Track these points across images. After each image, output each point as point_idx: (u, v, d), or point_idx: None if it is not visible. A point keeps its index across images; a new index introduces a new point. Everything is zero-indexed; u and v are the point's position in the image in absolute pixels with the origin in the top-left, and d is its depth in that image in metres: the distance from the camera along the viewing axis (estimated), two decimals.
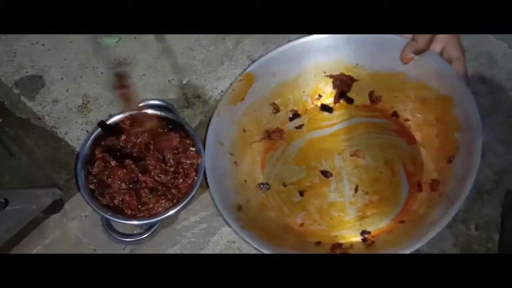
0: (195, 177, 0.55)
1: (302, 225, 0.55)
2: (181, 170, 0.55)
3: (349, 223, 0.54)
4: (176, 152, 0.56)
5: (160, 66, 0.67)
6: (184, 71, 0.67)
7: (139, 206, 0.53)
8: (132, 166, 0.55)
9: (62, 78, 0.64)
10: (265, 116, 0.62)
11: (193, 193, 0.54)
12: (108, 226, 0.53)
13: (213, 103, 0.65)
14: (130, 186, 0.53)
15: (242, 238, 0.51)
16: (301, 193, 0.57)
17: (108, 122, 0.57)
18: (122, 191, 0.53)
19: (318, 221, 0.55)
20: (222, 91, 0.66)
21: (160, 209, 0.53)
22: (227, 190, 0.54)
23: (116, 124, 0.57)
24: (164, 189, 0.54)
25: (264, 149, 0.61)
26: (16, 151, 0.53)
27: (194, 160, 0.55)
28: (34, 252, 0.56)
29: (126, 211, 0.52)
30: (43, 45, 0.67)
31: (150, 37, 0.69)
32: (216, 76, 0.67)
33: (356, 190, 0.56)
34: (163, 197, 0.53)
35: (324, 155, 0.59)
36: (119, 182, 0.53)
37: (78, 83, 0.64)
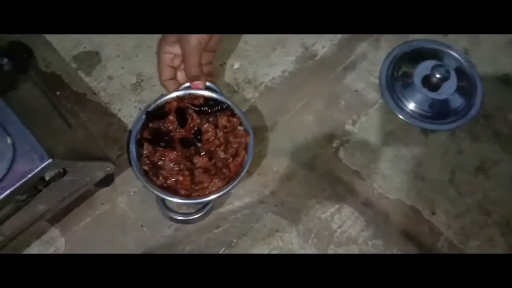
0: (245, 156, 0.54)
1: None
2: (230, 149, 0.55)
3: None
4: (225, 131, 0.56)
5: None
6: (236, 56, 0.67)
7: (193, 186, 0.53)
8: (182, 149, 0.55)
9: (117, 56, 0.65)
10: None
11: (245, 170, 0.53)
12: (163, 203, 0.54)
13: (263, 90, 0.65)
14: (182, 167, 0.54)
15: None
16: None
17: (157, 103, 0.57)
18: (175, 172, 0.53)
19: None
20: (273, 77, 0.66)
21: (213, 188, 0.53)
22: None
23: (163, 106, 0.57)
24: (216, 169, 0.54)
25: None
26: (73, 124, 0.55)
27: (242, 139, 0.55)
28: (82, 224, 0.58)
29: (180, 191, 0.53)
30: None
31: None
32: (268, 62, 0.66)
33: None
34: (216, 177, 0.53)
35: None
36: (171, 164, 0.54)
37: (133, 61, 0.65)
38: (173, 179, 0.53)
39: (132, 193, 0.59)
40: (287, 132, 0.63)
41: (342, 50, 0.68)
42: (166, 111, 0.57)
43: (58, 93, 0.62)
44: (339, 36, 0.68)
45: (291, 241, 0.58)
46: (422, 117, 0.65)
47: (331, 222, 0.59)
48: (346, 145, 0.62)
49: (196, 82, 0.56)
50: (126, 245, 0.57)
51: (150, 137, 0.55)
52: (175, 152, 0.54)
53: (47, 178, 0.44)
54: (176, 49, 0.57)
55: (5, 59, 0.47)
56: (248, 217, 0.59)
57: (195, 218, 0.54)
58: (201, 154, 0.55)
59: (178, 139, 0.56)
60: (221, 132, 0.56)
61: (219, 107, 0.56)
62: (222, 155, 0.55)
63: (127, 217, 0.58)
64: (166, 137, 0.55)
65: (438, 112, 0.65)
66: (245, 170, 0.54)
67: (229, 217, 0.59)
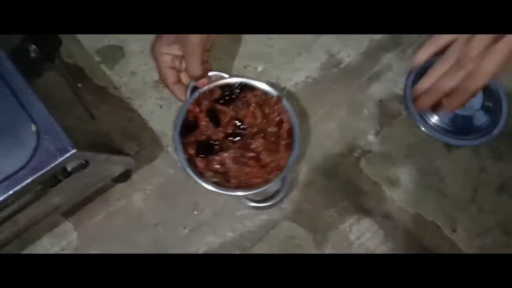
0: (288, 117, 0.54)
1: None
2: (273, 120, 0.55)
3: None
4: (258, 106, 0.56)
5: (237, 51, 0.66)
6: (261, 59, 0.66)
7: (263, 170, 0.53)
8: (233, 144, 0.54)
9: (141, 52, 0.65)
10: None
11: (297, 131, 0.54)
12: (250, 200, 0.55)
13: (285, 94, 0.64)
14: (244, 159, 0.54)
15: None
16: None
17: (181, 119, 0.54)
18: (241, 166, 0.53)
19: None
20: (296, 83, 0.65)
21: (283, 161, 0.53)
22: None
23: (187, 117, 0.55)
24: (273, 143, 0.54)
25: None
26: (96, 116, 0.54)
27: (277, 105, 0.55)
28: (96, 219, 0.57)
29: (254, 181, 0.53)
30: None
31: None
32: (292, 67, 0.66)
33: None
34: (278, 150, 0.54)
35: None
36: (233, 164, 0.54)
37: None
38: (243, 175, 0.53)
39: (148, 191, 0.58)
40: (307, 138, 0.62)
41: (368, 60, 0.67)
42: (192, 120, 0.54)
43: (80, 85, 0.62)
44: (364, 45, 0.68)
45: (307, 249, 0.57)
46: (445, 131, 0.64)
47: (349, 233, 0.58)
48: (368, 155, 0.61)
49: (201, 81, 0.55)
50: (139, 244, 0.56)
51: (199, 154, 0.53)
52: (230, 151, 0.53)
53: (69, 169, 0.43)
54: (174, 50, 0.54)
55: (33, 46, 0.47)
56: (265, 223, 0.58)
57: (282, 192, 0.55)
58: (253, 138, 0.54)
59: (223, 138, 0.54)
60: (256, 109, 0.55)
61: (238, 89, 0.55)
62: (270, 129, 0.54)
63: (142, 215, 0.57)
64: (213, 144, 0.54)
65: (461, 127, 0.64)
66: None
67: (245, 221, 0.58)
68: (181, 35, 0.52)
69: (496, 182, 0.61)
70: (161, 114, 0.61)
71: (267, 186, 0.51)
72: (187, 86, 0.56)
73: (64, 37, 0.63)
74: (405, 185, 0.60)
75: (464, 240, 0.58)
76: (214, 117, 0.55)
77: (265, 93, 0.55)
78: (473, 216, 0.59)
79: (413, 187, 0.60)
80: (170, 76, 0.55)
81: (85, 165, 0.45)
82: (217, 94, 0.56)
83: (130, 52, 0.65)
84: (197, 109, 0.55)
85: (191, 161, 0.52)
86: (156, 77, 0.64)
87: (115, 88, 0.62)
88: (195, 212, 0.57)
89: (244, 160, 0.53)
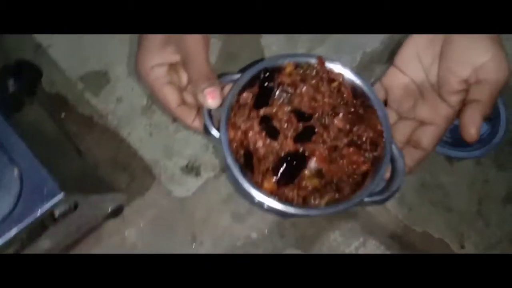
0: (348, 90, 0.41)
1: None
2: (332, 96, 0.41)
3: None
4: (304, 83, 0.41)
5: (228, 70, 0.63)
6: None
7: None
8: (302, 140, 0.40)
9: (128, 76, 0.61)
10: None
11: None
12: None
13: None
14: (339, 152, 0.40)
15: None
16: None
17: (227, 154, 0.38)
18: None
19: None
20: None
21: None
22: None
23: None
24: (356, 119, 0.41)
25: None
26: (83, 150, 0.50)
27: (328, 74, 0.42)
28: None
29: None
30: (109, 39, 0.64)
31: (216, 42, 0.65)
32: None
33: None
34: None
35: None
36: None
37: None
38: (344, 171, 0.39)
39: (142, 225, 0.55)
40: None
41: (362, 73, 0.65)
42: (244, 151, 0.40)
43: (63, 115, 0.58)
44: (358, 58, 0.66)
45: None
46: (445, 144, 0.62)
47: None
48: None
49: (210, 90, 0.37)
50: None
51: (281, 182, 0.38)
52: (315, 155, 0.39)
53: (56, 215, 0.40)
54: (168, 55, 0.39)
55: (12, 80, 0.43)
56: (268, 251, 0.55)
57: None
58: (326, 123, 0.41)
59: (294, 144, 0.39)
60: (306, 86, 0.41)
61: (267, 79, 0.40)
62: (338, 99, 0.41)
63: (135, 251, 0.54)
64: (290, 160, 0.39)
65: (462, 139, 0.62)
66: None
67: (248, 249, 0.55)
68: (176, 35, 0.39)
69: (500, 193, 0.60)
70: (151, 141, 0.58)
71: (386, 164, 0.38)
72: (199, 109, 0.40)
73: (45, 65, 0.60)
74: (410, 202, 0.58)
75: None
76: (267, 128, 0.39)
77: (297, 65, 0.41)
78: (480, 230, 0.58)
79: (418, 204, 0.58)
80: (171, 97, 0.39)
81: (74, 207, 0.41)
82: (254, 91, 0.40)
83: (115, 76, 0.61)
84: (239, 134, 0.39)
85: (279, 197, 0.37)
86: (145, 101, 0.61)
87: (101, 116, 0.59)
88: (193, 245, 0.54)
89: (336, 155, 0.40)
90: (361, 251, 0.55)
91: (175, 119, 0.58)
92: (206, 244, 0.54)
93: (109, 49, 0.63)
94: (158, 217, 0.55)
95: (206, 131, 0.39)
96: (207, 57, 0.38)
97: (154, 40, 0.39)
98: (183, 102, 0.41)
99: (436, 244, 0.56)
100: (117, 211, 0.53)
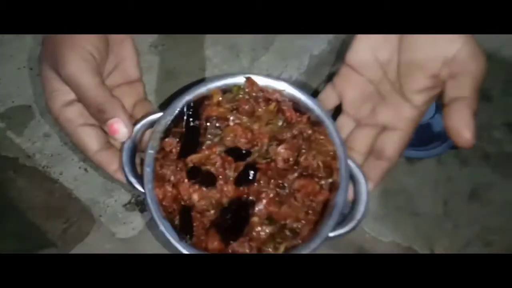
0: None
1: None
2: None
3: None
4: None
5: (167, 88, 0.58)
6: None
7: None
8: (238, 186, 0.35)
9: None
10: None
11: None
12: None
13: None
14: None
15: None
16: None
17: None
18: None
19: None
20: None
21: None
22: None
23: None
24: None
25: None
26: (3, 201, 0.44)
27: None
28: None
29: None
30: (31, 69, 0.58)
31: (154, 58, 0.60)
32: None
33: None
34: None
35: None
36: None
37: None
38: (298, 210, 0.35)
39: None
40: None
41: (311, 78, 0.61)
42: (177, 207, 0.34)
43: None
44: (306, 63, 0.62)
45: None
46: None
47: None
48: None
49: (112, 121, 0.31)
50: None
51: (227, 239, 0.33)
52: (261, 200, 0.34)
53: None
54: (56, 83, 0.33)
55: None
56: None
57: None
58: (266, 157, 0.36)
59: (235, 190, 0.35)
60: (235, 117, 0.36)
61: (191, 111, 0.35)
62: (279, 122, 0.36)
63: None
64: (236, 211, 0.34)
65: (421, 138, 0.59)
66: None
67: None
68: (56, 56, 0.31)
69: (465, 190, 0.57)
70: (87, 178, 0.52)
71: (344, 191, 0.34)
72: (121, 146, 0.35)
73: None
74: (374, 211, 0.55)
75: None
76: (200, 179, 0.34)
77: (225, 90, 0.37)
78: (449, 232, 0.55)
79: (382, 212, 0.55)
80: (88, 140, 0.34)
81: None
82: (171, 146, 0.35)
83: (41, 110, 0.55)
84: (170, 189, 0.34)
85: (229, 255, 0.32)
86: None
87: (28, 156, 0.53)
88: None
89: (286, 192, 0.35)
90: None
91: None
92: None
93: (31, 81, 0.57)
94: None
95: (131, 185, 0.34)
96: (101, 80, 0.32)
97: (49, 74, 0.33)
98: (107, 145, 0.35)
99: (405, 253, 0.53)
100: None
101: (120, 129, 0.32)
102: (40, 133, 0.54)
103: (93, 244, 0.50)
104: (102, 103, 0.31)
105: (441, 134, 0.60)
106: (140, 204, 0.52)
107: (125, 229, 0.51)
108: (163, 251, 0.49)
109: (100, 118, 0.32)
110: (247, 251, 0.32)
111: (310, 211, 0.35)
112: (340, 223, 0.34)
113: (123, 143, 0.34)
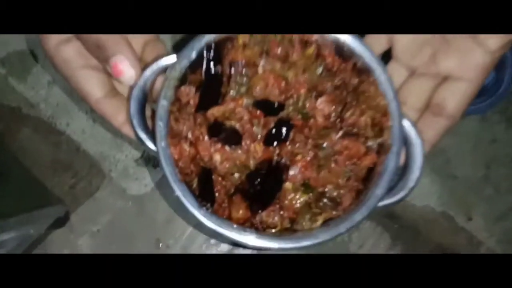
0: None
1: None
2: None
3: None
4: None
5: None
6: None
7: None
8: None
9: None
10: None
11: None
12: None
13: None
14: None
15: None
16: None
17: None
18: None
19: None
20: None
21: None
22: None
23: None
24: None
25: None
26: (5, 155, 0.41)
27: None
28: None
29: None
30: None
31: None
32: None
33: None
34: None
35: None
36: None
37: None
38: (334, 177, 0.30)
39: (95, 232, 0.46)
40: None
41: None
42: (205, 171, 0.29)
43: None
44: None
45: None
46: None
47: (349, 243, 0.48)
48: None
49: (115, 59, 0.27)
50: None
51: (254, 209, 0.29)
52: (296, 163, 0.29)
53: None
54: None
55: None
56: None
57: None
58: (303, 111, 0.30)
59: (264, 151, 0.30)
60: (266, 64, 0.30)
61: (213, 54, 0.29)
62: (317, 69, 0.30)
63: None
64: (263, 174, 0.29)
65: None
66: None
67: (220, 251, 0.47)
68: None
69: (510, 154, 0.52)
70: (96, 131, 0.48)
71: (397, 154, 0.29)
72: (129, 93, 0.29)
73: None
74: None
75: (482, 229, 0.49)
76: (223, 137, 0.29)
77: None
78: (488, 198, 0.50)
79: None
80: (90, 86, 0.29)
81: None
82: (188, 95, 0.29)
83: (44, 55, 0.50)
84: (187, 147, 0.29)
85: (256, 226, 0.28)
86: None
87: (32, 106, 0.49)
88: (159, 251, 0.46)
89: (325, 155, 0.30)
90: (355, 236, 0.48)
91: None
92: (174, 249, 0.46)
93: None
94: (113, 222, 0.46)
95: (141, 142, 0.29)
96: None
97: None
98: (112, 93, 0.29)
99: (438, 219, 0.49)
100: (61, 221, 0.45)
101: (125, 69, 0.27)
102: (44, 81, 0.50)
103: (104, 199, 0.47)
104: (100, 36, 0.25)
105: (487, 89, 0.54)
106: (153, 160, 0.48)
107: (137, 186, 0.47)
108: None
109: (100, 56, 0.27)
110: (277, 221, 0.28)
111: (352, 177, 0.30)
112: (388, 194, 0.29)
113: (130, 91, 0.28)
